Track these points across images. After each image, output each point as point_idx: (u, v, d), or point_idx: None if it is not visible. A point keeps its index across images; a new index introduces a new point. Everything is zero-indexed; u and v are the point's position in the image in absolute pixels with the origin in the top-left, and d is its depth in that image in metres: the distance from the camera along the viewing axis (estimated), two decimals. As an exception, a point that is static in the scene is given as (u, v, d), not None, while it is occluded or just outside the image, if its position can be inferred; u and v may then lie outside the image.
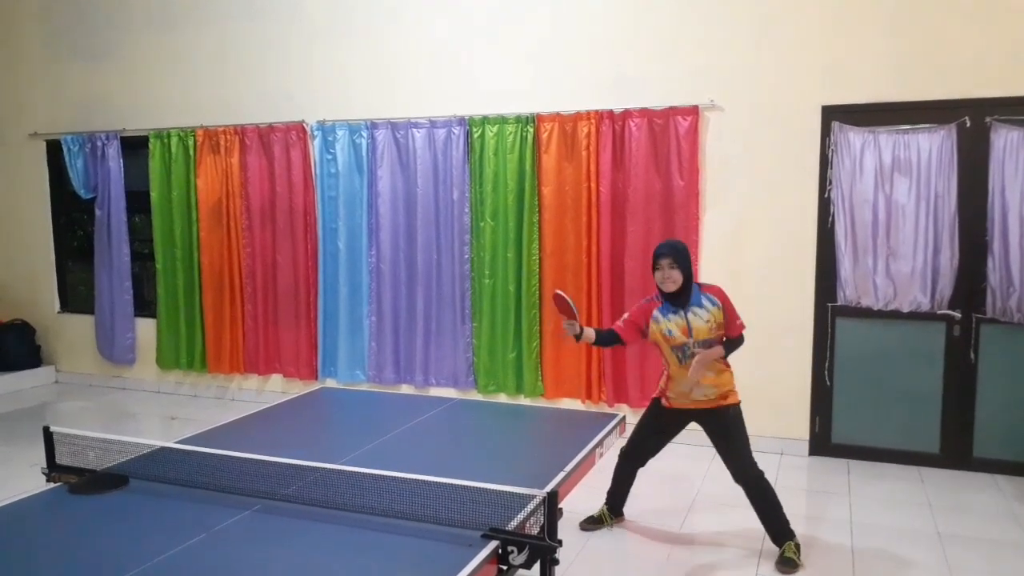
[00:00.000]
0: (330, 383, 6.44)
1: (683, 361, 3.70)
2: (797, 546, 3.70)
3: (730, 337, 3.73)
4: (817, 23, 5.04)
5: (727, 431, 3.73)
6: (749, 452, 3.72)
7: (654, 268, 3.68)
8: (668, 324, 3.69)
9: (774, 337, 5.20)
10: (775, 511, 3.71)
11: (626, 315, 3.87)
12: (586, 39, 5.58)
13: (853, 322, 5.17)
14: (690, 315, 3.66)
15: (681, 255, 3.66)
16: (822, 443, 5.30)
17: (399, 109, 6.08)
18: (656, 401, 3.94)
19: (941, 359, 5.01)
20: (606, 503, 4.15)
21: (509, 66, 5.80)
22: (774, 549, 3.77)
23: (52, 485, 2.74)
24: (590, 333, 3.77)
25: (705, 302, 3.69)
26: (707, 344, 3.66)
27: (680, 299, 3.67)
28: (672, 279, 3.63)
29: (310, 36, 6.33)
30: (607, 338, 3.84)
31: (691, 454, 4.91)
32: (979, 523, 4.24)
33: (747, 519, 3.93)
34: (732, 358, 3.80)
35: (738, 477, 3.72)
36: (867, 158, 5.00)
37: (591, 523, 4.11)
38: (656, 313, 3.73)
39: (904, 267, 4.97)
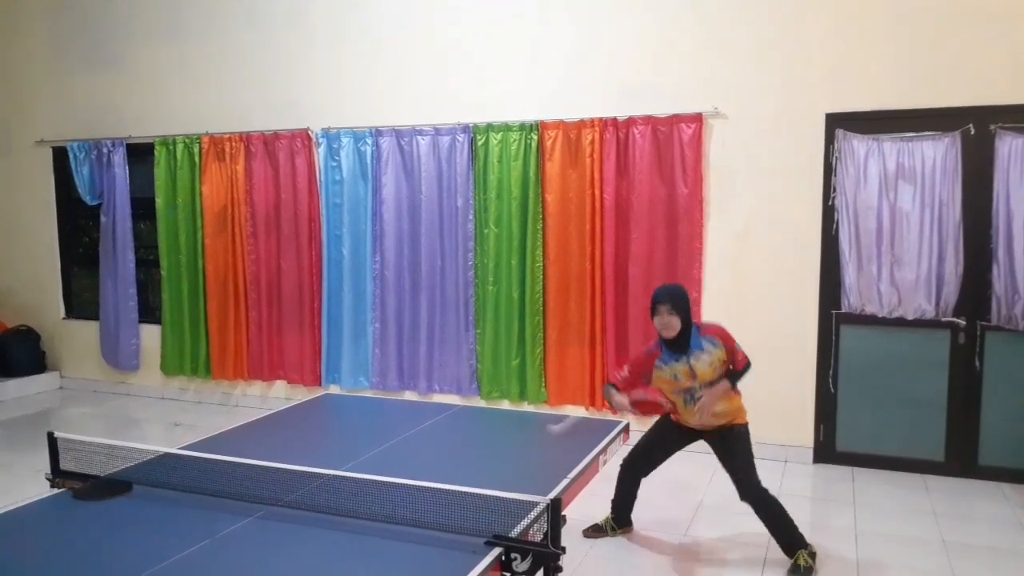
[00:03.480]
0: (334, 389, 6.45)
1: (688, 404, 3.71)
2: (811, 554, 3.69)
3: (734, 371, 3.70)
4: (821, 31, 5.05)
5: (731, 450, 3.74)
6: (753, 470, 3.70)
7: (653, 314, 3.67)
8: (673, 370, 3.69)
9: (778, 344, 5.19)
10: (784, 523, 3.70)
11: (626, 369, 3.83)
12: (590, 47, 5.59)
13: (857, 329, 5.16)
14: (692, 360, 3.66)
15: (679, 300, 3.65)
16: (826, 451, 5.28)
17: (404, 117, 6.09)
18: (665, 416, 3.95)
19: (946, 367, 4.99)
20: (611, 513, 4.14)
21: (513, 74, 5.81)
22: (778, 557, 3.76)
23: (56, 491, 2.75)
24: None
25: (706, 344, 3.67)
26: (713, 384, 3.66)
27: (680, 344, 3.66)
28: (671, 326, 3.62)
29: (314, 44, 6.36)
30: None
31: (694, 462, 4.88)
32: (985, 531, 4.22)
33: (750, 527, 3.91)
34: None
35: (743, 495, 3.70)
36: (871, 166, 5.00)
37: (595, 531, 4.11)
38: (658, 363, 3.73)
39: (908, 275, 4.96)
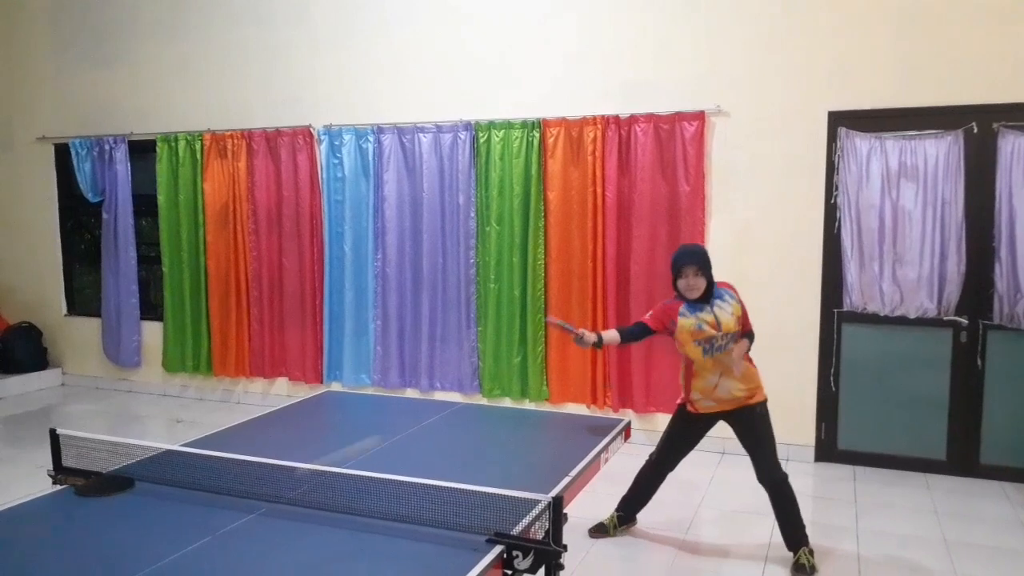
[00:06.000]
0: (335, 387, 6.45)
1: (708, 354, 3.66)
2: (811, 551, 3.69)
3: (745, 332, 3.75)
4: (824, 29, 5.04)
5: (753, 430, 3.72)
6: (775, 453, 3.71)
7: (677, 276, 3.65)
8: (697, 319, 3.65)
9: (780, 343, 5.18)
10: (794, 516, 3.70)
11: (651, 313, 3.81)
12: (592, 44, 5.58)
13: (859, 328, 5.15)
14: (716, 309, 3.66)
15: (704, 262, 3.65)
16: (828, 449, 5.28)
17: (406, 114, 6.09)
18: (682, 408, 3.90)
19: (948, 365, 4.99)
20: (618, 509, 4.10)
21: (516, 71, 5.80)
22: (779, 555, 3.76)
23: (58, 487, 2.75)
24: (612, 335, 3.75)
25: (726, 296, 3.70)
26: (733, 339, 3.67)
27: (702, 298, 3.67)
28: (696, 287, 3.63)
29: (317, 41, 6.35)
30: (637, 332, 3.78)
31: (697, 460, 4.87)
32: (986, 530, 4.22)
33: (752, 526, 3.92)
34: None
35: (762, 478, 3.70)
36: (873, 164, 4.99)
37: (598, 531, 4.09)
38: (683, 310, 3.68)
39: (911, 273, 4.95)
